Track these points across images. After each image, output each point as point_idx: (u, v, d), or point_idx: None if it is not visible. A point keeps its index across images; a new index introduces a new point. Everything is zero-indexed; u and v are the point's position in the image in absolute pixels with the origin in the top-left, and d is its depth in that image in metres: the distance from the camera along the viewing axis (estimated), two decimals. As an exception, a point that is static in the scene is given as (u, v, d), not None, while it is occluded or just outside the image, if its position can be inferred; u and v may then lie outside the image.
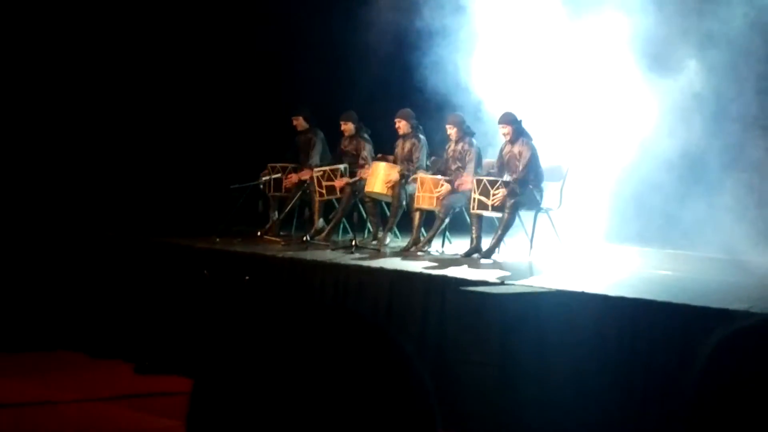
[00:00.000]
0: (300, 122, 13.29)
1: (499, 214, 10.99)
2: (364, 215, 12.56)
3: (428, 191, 11.53)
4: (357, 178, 12.43)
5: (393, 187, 11.90)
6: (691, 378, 1.82)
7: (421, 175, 11.79)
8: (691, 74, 12.35)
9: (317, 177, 12.57)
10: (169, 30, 14.42)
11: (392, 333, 1.63)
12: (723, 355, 1.81)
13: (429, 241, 11.50)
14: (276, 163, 13.07)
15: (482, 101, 12.72)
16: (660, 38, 12.56)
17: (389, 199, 12.11)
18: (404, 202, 12.03)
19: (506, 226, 10.96)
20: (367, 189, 12.12)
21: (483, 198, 10.91)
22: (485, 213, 11.06)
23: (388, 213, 12.29)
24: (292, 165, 13.10)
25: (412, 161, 12.15)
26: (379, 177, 12.01)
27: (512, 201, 10.86)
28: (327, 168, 12.67)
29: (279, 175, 12.93)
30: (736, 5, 12.07)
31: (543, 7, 13.04)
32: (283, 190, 12.98)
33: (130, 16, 14.22)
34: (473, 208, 11.08)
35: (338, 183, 12.50)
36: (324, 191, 12.57)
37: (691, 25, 12.37)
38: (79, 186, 13.64)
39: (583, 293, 8.38)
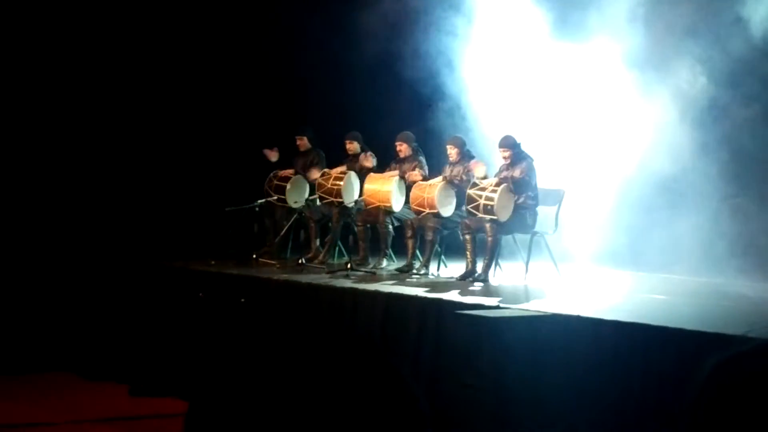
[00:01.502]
0: (304, 142, 13.31)
1: (491, 217, 10.92)
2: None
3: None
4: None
5: (380, 208, 12.01)
6: (688, 402, 1.81)
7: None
8: (683, 95, 12.38)
9: (319, 181, 12.58)
10: (165, 49, 14.43)
11: (387, 355, 1.63)
12: (719, 380, 1.80)
13: (426, 265, 11.51)
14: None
15: (480, 125, 12.80)
16: (650, 60, 12.59)
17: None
18: (391, 227, 12.13)
19: (492, 249, 10.98)
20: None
21: (477, 192, 10.96)
22: (477, 213, 10.99)
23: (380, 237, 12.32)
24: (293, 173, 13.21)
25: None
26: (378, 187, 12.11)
27: (495, 226, 10.88)
28: (333, 172, 12.67)
29: (275, 198, 12.93)
30: (729, 22, 12.11)
31: (531, 33, 13.12)
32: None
33: (128, 35, 14.22)
34: (467, 205, 11.08)
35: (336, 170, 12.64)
36: (325, 194, 12.55)
37: (682, 45, 12.41)
38: (72, 208, 13.62)
39: (578, 317, 8.37)
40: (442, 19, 13.24)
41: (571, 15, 12.85)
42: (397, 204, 12.10)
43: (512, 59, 13.24)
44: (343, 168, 12.68)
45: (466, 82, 13.07)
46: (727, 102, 12.23)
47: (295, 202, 12.97)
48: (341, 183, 12.40)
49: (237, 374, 1.60)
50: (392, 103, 13.87)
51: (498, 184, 10.96)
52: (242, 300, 10.73)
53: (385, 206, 12.03)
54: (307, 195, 13.04)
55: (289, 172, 13.19)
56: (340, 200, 12.37)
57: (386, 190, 12.04)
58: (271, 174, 13.16)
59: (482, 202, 10.88)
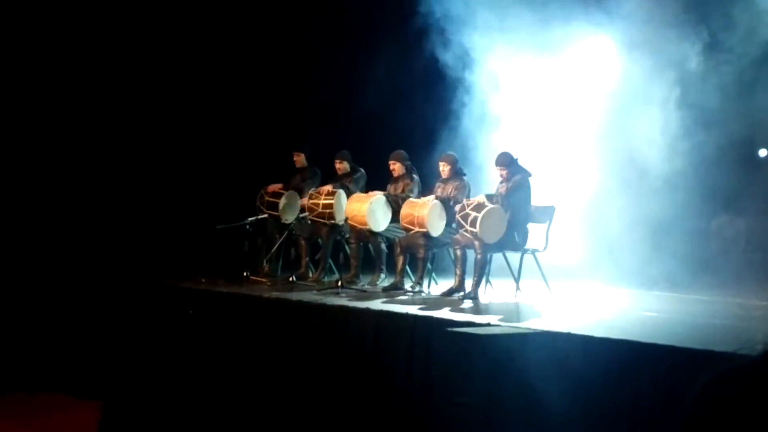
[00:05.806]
0: (301, 159, 13.29)
1: (473, 230, 10.89)
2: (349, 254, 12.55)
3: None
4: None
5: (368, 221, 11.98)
6: (679, 419, 1.81)
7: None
8: (673, 108, 12.44)
9: (310, 203, 12.52)
10: (158, 64, 14.45)
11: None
12: (710, 397, 1.80)
13: (419, 282, 11.49)
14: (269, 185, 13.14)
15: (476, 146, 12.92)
16: (637, 78, 12.67)
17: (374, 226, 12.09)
18: (383, 245, 12.15)
19: (481, 267, 10.94)
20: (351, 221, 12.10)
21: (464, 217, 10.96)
22: (465, 231, 10.96)
23: (373, 254, 12.33)
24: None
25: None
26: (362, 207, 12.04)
27: (483, 244, 10.85)
28: (322, 190, 12.61)
29: (267, 215, 12.92)
30: (714, 41, 12.19)
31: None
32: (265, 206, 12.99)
33: (122, 64, 14.26)
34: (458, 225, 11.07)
35: (325, 188, 12.53)
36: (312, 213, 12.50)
37: (668, 65, 12.49)
38: (63, 226, 13.61)
39: (569, 334, 8.35)
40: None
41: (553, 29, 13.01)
42: (377, 223, 12.02)
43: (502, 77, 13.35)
44: (329, 187, 12.60)
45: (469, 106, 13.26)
46: (720, 115, 12.30)
47: (286, 220, 12.97)
48: (332, 202, 12.33)
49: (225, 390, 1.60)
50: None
51: (478, 207, 10.89)
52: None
53: (364, 227, 11.99)
54: (298, 212, 13.02)
55: (277, 187, 13.15)
56: (333, 221, 12.34)
57: (362, 213, 11.96)
58: (262, 190, 13.14)
59: (468, 227, 10.85)
